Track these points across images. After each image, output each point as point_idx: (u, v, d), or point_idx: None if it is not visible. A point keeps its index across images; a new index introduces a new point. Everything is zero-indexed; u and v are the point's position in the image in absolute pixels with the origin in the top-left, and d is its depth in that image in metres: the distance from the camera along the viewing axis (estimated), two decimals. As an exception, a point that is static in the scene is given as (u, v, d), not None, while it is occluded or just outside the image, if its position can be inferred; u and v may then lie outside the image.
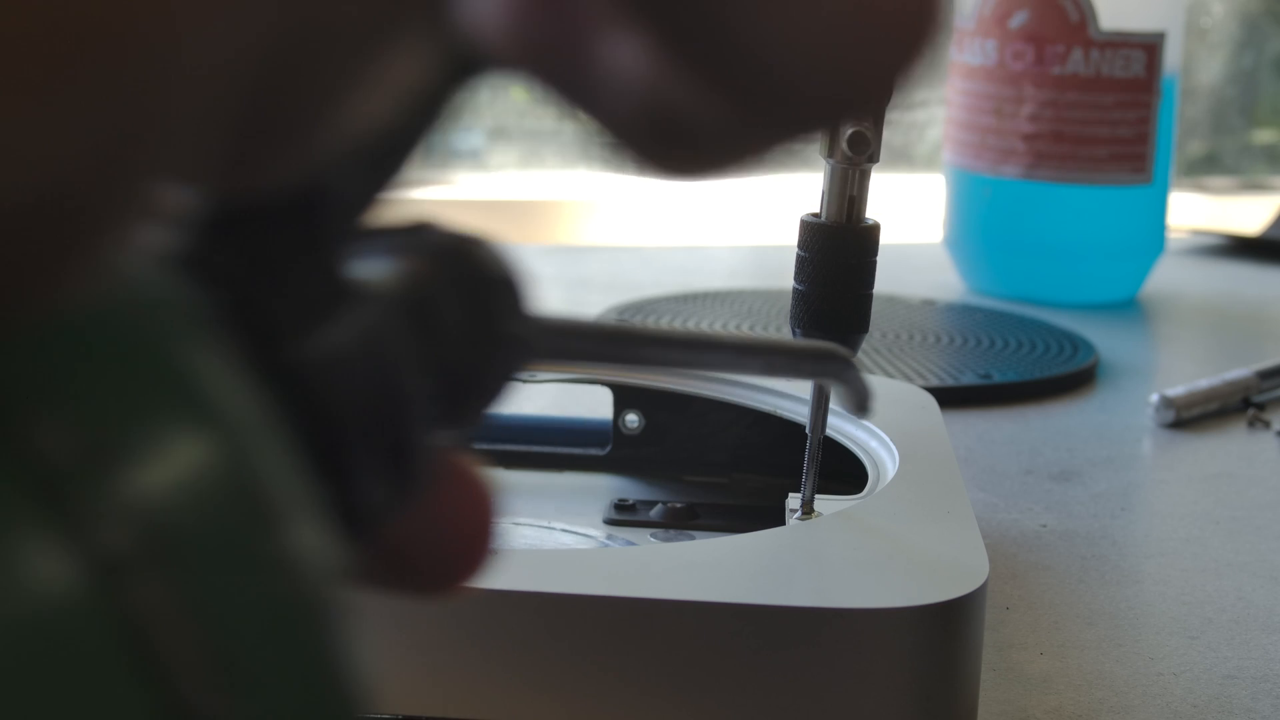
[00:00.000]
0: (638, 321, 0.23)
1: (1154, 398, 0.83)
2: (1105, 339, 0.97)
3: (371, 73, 0.16)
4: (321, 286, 0.19)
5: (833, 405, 0.57)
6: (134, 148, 0.13)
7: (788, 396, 0.65)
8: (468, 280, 0.21)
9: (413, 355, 0.20)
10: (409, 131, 0.19)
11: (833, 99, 0.16)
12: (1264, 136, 1.75)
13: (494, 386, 0.22)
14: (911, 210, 1.31)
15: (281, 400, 0.18)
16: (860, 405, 0.45)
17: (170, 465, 0.15)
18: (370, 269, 0.20)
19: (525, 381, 0.68)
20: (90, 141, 0.12)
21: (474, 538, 0.21)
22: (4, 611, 0.13)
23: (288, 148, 0.16)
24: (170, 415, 0.15)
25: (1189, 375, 0.88)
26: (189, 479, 0.15)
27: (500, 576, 0.47)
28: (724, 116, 0.16)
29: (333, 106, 0.15)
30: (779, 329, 0.95)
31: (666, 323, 0.96)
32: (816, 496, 0.55)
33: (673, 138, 0.17)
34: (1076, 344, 0.95)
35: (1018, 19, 1.02)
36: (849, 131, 0.51)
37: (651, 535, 0.62)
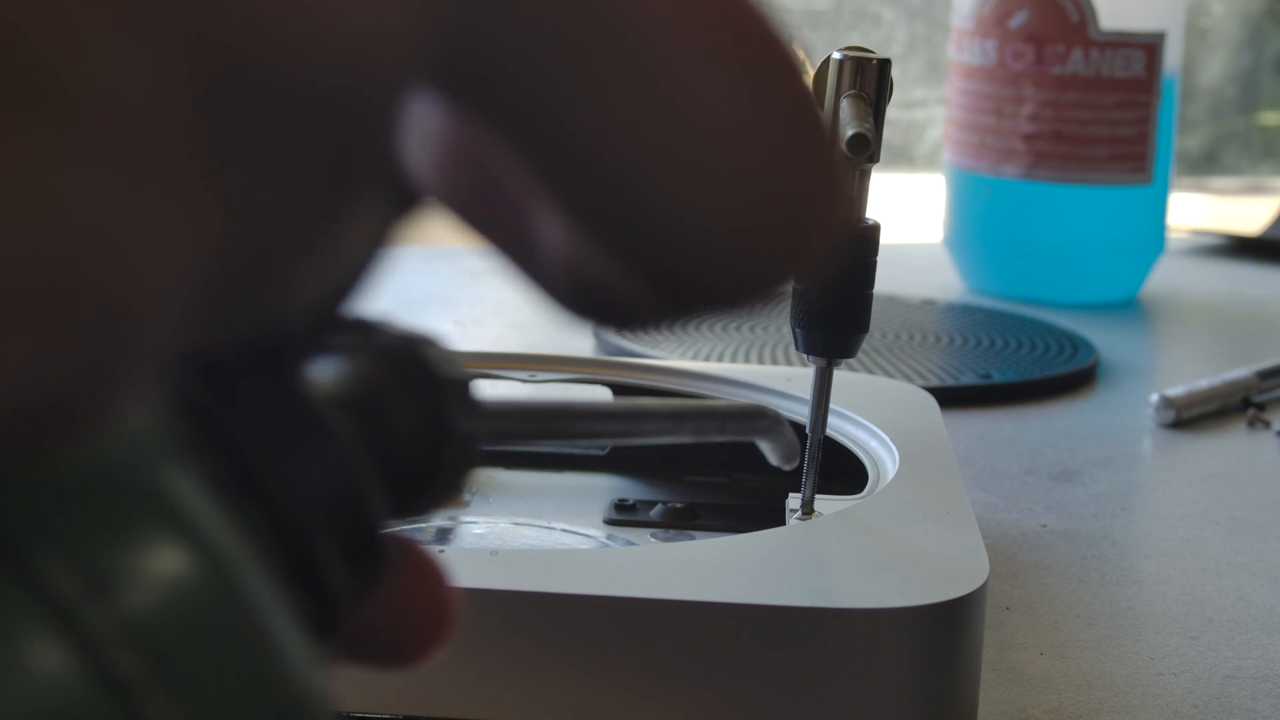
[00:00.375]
0: (574, 399, 0.28)
1: (1154, 398, 0.83)
2: (1105, 339, 0.97)
3: (328, 243, 0.17)
4: (282, 404, 0.20)
5: (834, 405, 0.57)
6: (104, 364, 0.15)
7: (787, 396, 0.65)
8: (417, 380, 0.23)
9: (368, 456, 0.21)
10: (361, 263, 0.20)
11: (733, 292, 0.18)
12: (1270, 119, 1.75)
13: (446, 478, 0.23)
14: (911, 210, 1.31)
15: (252, 514, 0.20)
16: (788, 459, 0.49)
17: (165, 592, 0.16)
18: (325, 372, 0.22)
19: (525, 381, 0.68)
20: (63, 362, 0.14)
21: (433, 614, 0.23)
22: None
23: (250, 314, 0.17)
24: (161, 545, 0.17)
25: (1189, 375, 0.88)
26: (183, 604, 0.17)
27: (500, 576, 0.47)
28: (638, 291, 0.18)
29: (291, 275, 0.17)
30: (779, 329, 0.95)
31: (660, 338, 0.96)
32: (816, 496, 0.55)
33: (593, 301, 0.19)
34: (1076, 344, 0.95)
35: (1018, 19, 1.02)
36: (849, 132, 0.51)
37: (651, 535, 0.62)
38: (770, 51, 0.18)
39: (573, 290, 0.19)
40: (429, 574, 0.23)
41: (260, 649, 0.17)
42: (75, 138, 0.14)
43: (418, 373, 0.23)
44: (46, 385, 0.15)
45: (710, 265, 0.18)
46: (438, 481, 0.23)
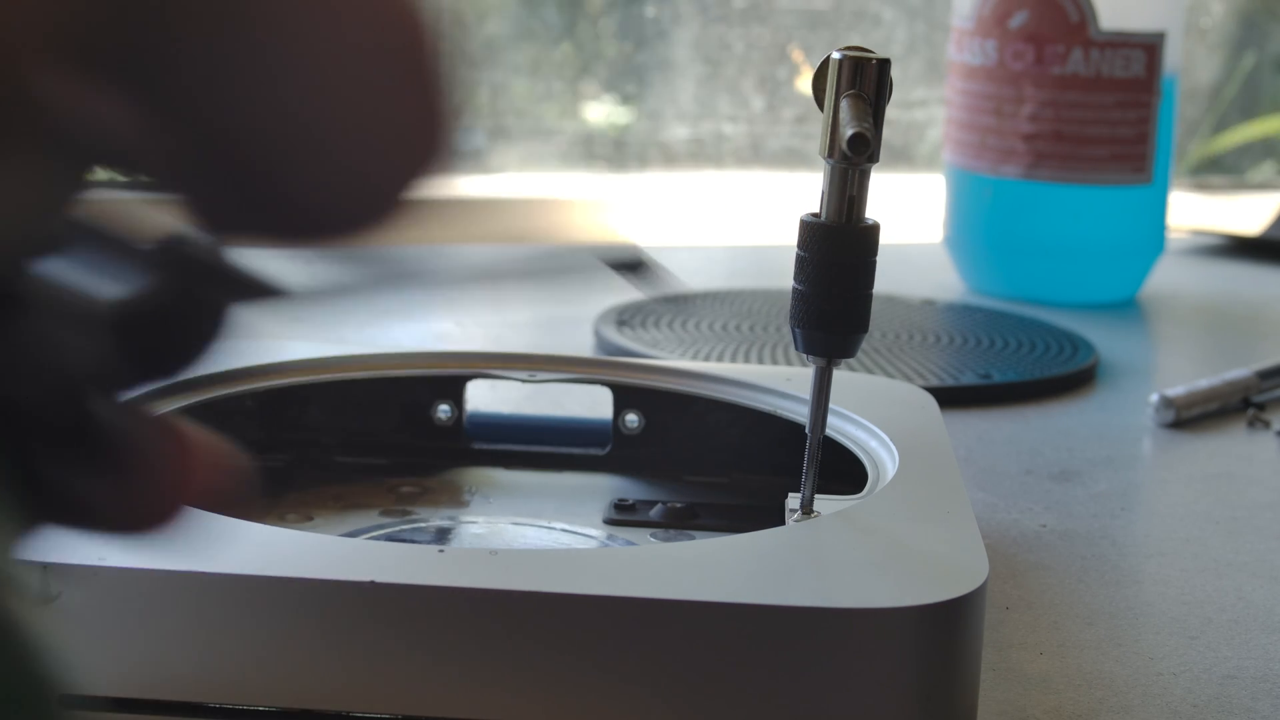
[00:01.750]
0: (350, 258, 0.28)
1: (1154, 398, 0.83)
2: (1105, 339, 0.97)
3: None
4: None
5: (833, 405, 0.57)
6: None
7: (788, 396, 0.65)
8: (169, 264, 0.25)
9: (87, 344, 0.23)
10: (45, 212, 0.23)
11: (342, 224, 0.21)
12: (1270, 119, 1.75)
13: (200, 341, 0.25)
14: (911, 210, 1.31)
15: None
16: (654, 287, 0.46)
17: None
18: (56, 271, 0.24)
19: (525, 381, 0.68)
20: None
21: (168, 483, 0.25)
22: None
23: None
24: None
25: (1189, 375, 0.88)
26: None
27: (500, 576, 0.47)
28: (269, 233, 0.21)
29: None
30: (779, 329, 0.95)
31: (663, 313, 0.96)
32: (816, 496, 0.55)
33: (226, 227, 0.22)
34: (1076, 344, 0.95)
35: (1018, 19, 1.02)
36: (849, 132, 0.51)
37: (651, 535, 0.62)
38: (409, 36, 0.20)
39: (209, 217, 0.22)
40: (175, 448, 0.25)
41: None
42: None
43: (170, 258, 0.25)
44: None
45: (323, 205, 0.21)
46: (190, 343, 0.25)
